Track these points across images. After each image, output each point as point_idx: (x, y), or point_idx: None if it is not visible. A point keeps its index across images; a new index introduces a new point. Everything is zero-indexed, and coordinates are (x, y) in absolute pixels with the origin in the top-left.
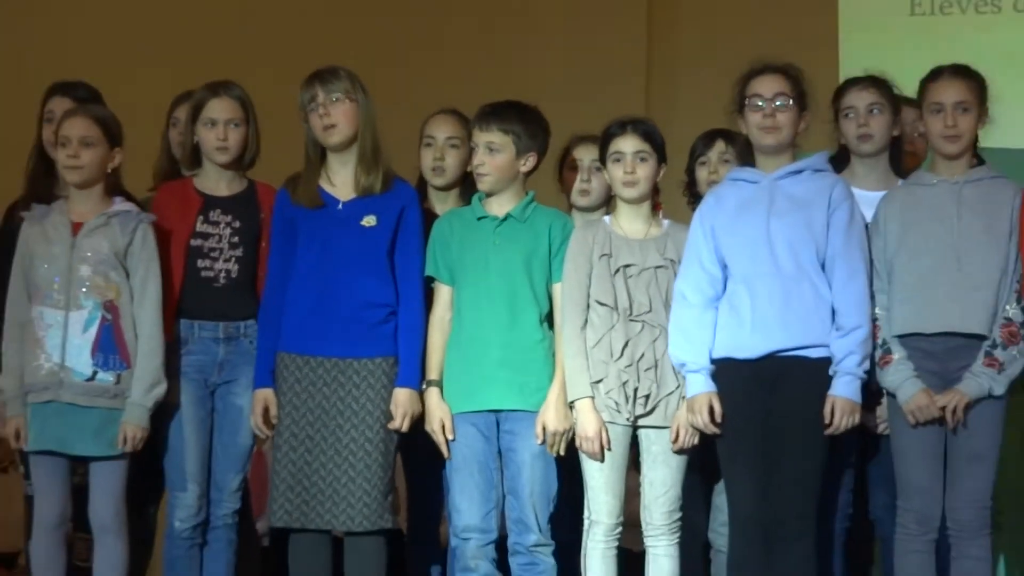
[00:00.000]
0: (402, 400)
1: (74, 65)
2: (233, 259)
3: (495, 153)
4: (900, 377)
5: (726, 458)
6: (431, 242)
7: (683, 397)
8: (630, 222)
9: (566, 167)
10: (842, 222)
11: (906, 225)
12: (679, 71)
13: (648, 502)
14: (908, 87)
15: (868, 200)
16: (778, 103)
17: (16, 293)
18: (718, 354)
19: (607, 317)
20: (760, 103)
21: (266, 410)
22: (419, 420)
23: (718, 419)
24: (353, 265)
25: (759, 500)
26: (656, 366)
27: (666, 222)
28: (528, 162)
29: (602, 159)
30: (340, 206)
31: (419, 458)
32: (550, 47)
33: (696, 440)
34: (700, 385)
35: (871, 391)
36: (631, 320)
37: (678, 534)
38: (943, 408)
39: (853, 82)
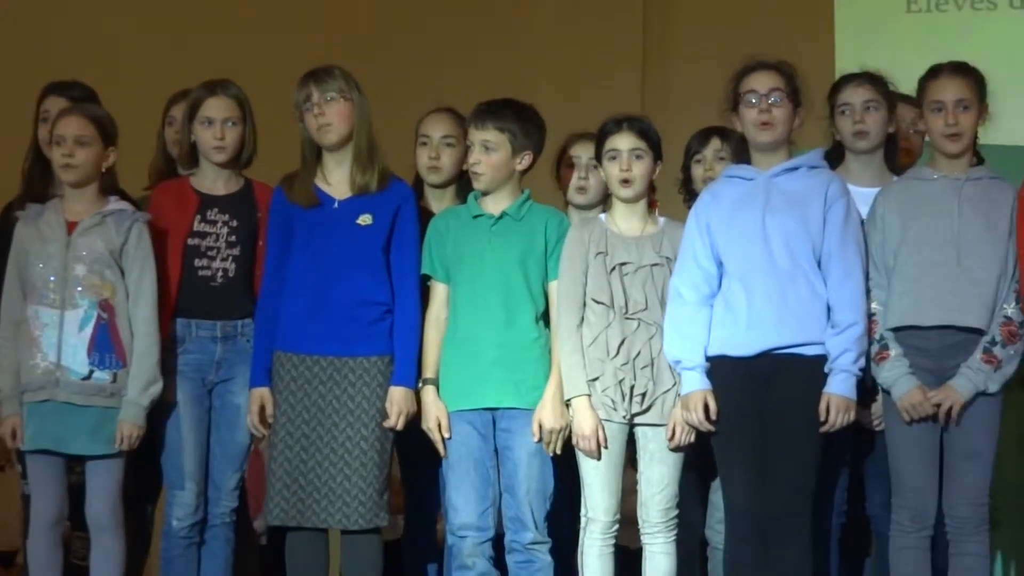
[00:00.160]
0: (398, 398)
1: (70, 64)
2: (230, 258)
3: (491, 151)
4: (895, 374)
5: (721, 455)
6: (427, 240)
7: (679, 395)
8: (626, 220)
9: (563, 165)
10: (838, 219)
11: (906, 219)
12: (675, 69)
13: (645, 499)
14: (904, 84)
15: (863, 196)
16: (773, 99)
17: (11, 292)
18: (713, 351)
19: (603, 315)
20: (755, 99)
21: (262, 409)
22: (415, 418)
23: (713, 416)
24: (349, 263)
25: (755, 497)
26: (652, 364)
27: (662, 220)
28: (524, 160)
29: (598, 157)
30: (336, 205)
31: (415, 456)
32: (546, 45)
33: (692, 438)
34: (695, 382)
35: (866, 388)
36: (627, 318)
37: (675, 531)
38: (937, 406)
39: (849, 78)
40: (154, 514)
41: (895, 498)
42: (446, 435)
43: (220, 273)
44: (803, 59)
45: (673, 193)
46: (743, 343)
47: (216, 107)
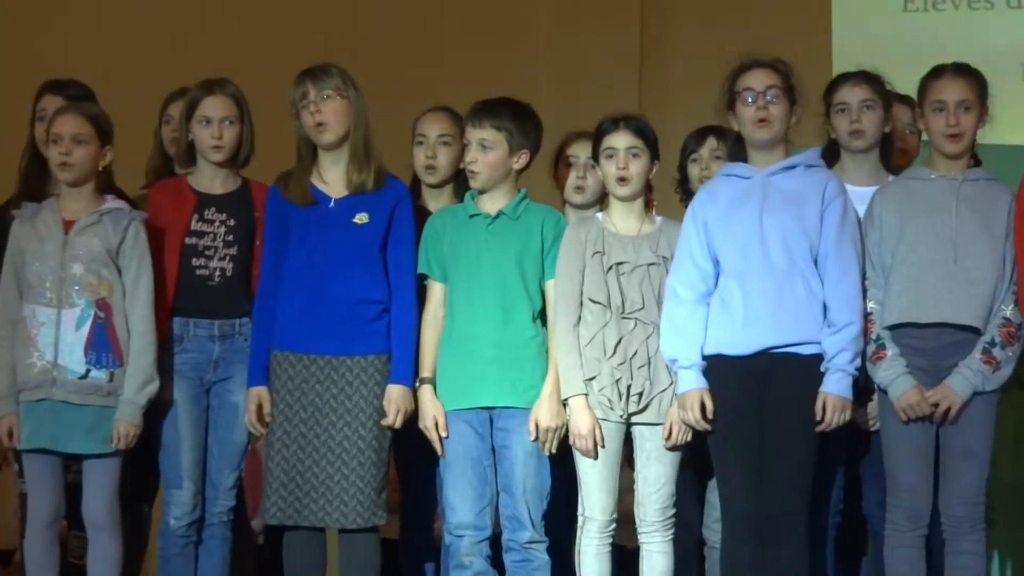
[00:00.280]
0: (396, 396)
1: (67, 63)
2: (228, 257)
3: (488, 150)
4: (892, 373)
5: (718, 455)
6: (423, 239)
7: (676, 394)
8: (623, 219)
9: (561, 164)
10: (835, 218)
11: (904, 218)
12: (672, 69)
13: (642, 499)
14: (901, 83)
15: (858, 195)
16: (769, 96)
17: (7, 291)
18: (709, 350)
19: (600, 315)
20: (751, 97)
21: (260, 408)
22: (412, 417)
23: (709, 415)
24: (346, 262)
25: (751, 496)
26: (649, 363)
27: (659, 219)
28: (521, 159)
29: (595, 155)
30: (332, 203)
31: (412, 456)
32: (543, 44)
33: (689, 437)
34: (691, 381)
35: (860, 388)
36: (624, 317)
37: (672, 530)
38: (935, 405)
39: (846, 77)
40: (151, 513)
41: (890, 497)
42: (443, 434)
43: (218, 272)
44: (800, 58)
45: (670, 192)
46: (739, 342)
47: (214, 106)
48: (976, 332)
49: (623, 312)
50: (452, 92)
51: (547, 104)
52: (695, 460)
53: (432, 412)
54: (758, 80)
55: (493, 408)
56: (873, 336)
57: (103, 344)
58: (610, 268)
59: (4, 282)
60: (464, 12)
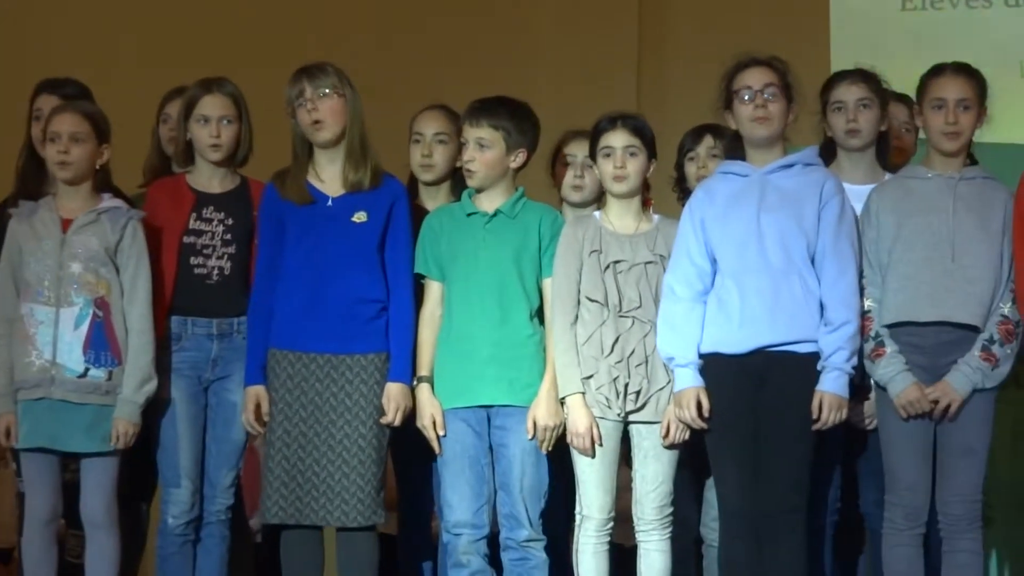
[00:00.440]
0: (395, 394)
1: (64, 62)
2: (226, 256)
3: (485, 149)
4: (892, 370)
5: (714, 453)
6: (420, 239)
7: (673, 392)
8: (620, 218)
9: (558, 163)
10: (833, 217)
11: (901, 217)
12: (671, 68)
13: (640, 497)
14: (899, 81)
15: (854, 194)
16: (767, 94)
17: (4, 289)
18: (706, 349)
19: (597, 313)
20: (749, 96)
21: (258, 407)
22: (410, 416)
23: (706, 414)
24: (345, 261)
25: (748, 495)
26: (647, 362)
27: (656, 217)
28: (518, 158)
29: (592, 154)
30: (330, 202)
31: (409, 454)
32: (541, 43)
33: (687, 435)
34: (688, 380)
35: (856, 386)
36: (621, 316)
37: (670, 529)
38: (934, 402)
39: (842, 76)
40: (149, 512)
41: (889, 495)
42: (441, 433)
43: (216, 271)
44: (799, 57)
45: (667, 191)
46: (736, 340)
47: (212, 105)
48: (975, 330)
49: (620, 310)
50: (451, 91)
51: (546, 103)
52: (693, 458)
53: (430, 411)
54: (755, 78)
55: (491, 407)
56: (871, 334)
57: (102, 343)
58: (607, 267)
59: (1, 280)
60: (463, 12)
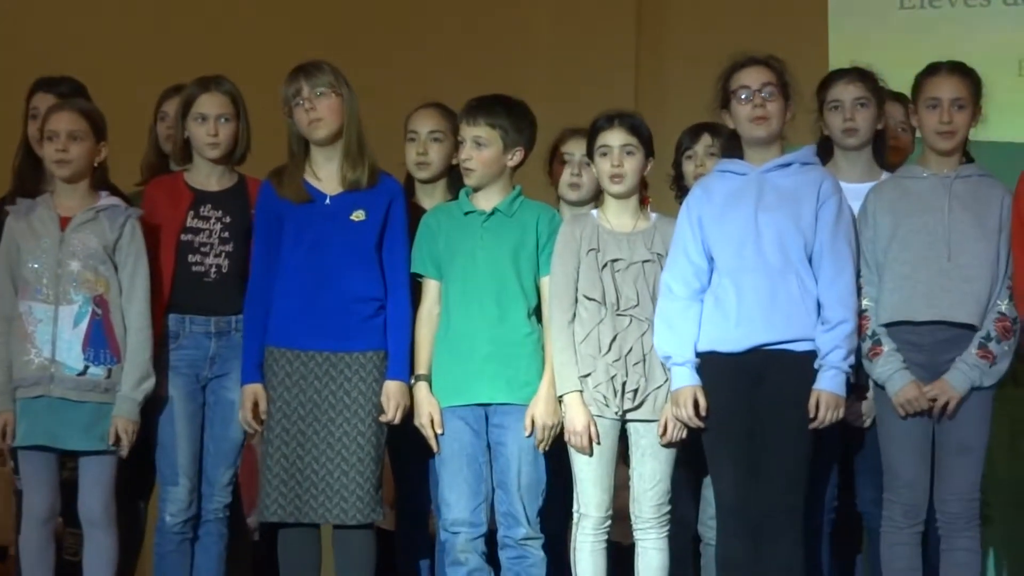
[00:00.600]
0: (394, 392)
1: (61, 60)
2: (223, 254)
3: (482, 147)
4: (890, 369)
5: (711, 452)
6: (418, 238)
7: (670, 390)
8: (617, 216)
9: (556, 161)
10: (830, 216)
11: (897, 217)
12: (668, 65)
13: (637, 495)
14: (897, 80)
15: (851, 192)
16: (765, 93)
17: (2, 288)
18: (703, 347)
19: (595, 311)
20: (746, 95)
21: (256, 405)
22: (408, 414)
23: (703, 412)
24: (343, 259)
25: (745, 493)
26: (644, 360)
27: (654, 216)
28: (515, 156)
29: (589, 153)
30: (328, 201)
31: (407, 452)
32: (539, 42)
33: (684, 433)
34: (685, 378)
35: (853, 385)
36: (619, 314)
37: (667, 527)
38: (933, 400)
39: (839, 75)
40: (147, 510)
41: (887, 493)
42: (439, 431)
43: (214, 269)
44: (797, 57)
45: (665, 190)
46: (733, 339)
47: (210, 103)
48: (972, 328)
49: (618, 309)
50: (449, 90)
51: (543, 102)
52: (690, 457)
53: (428, 409)
54: (753, 78)
55: (489, 405)
56: (868, 332)
57: (101, 341)
58: (605, 265)
59: None
60: (462, 11)
